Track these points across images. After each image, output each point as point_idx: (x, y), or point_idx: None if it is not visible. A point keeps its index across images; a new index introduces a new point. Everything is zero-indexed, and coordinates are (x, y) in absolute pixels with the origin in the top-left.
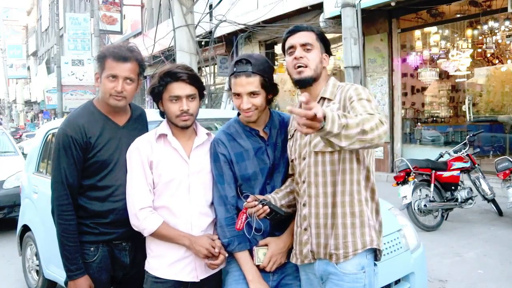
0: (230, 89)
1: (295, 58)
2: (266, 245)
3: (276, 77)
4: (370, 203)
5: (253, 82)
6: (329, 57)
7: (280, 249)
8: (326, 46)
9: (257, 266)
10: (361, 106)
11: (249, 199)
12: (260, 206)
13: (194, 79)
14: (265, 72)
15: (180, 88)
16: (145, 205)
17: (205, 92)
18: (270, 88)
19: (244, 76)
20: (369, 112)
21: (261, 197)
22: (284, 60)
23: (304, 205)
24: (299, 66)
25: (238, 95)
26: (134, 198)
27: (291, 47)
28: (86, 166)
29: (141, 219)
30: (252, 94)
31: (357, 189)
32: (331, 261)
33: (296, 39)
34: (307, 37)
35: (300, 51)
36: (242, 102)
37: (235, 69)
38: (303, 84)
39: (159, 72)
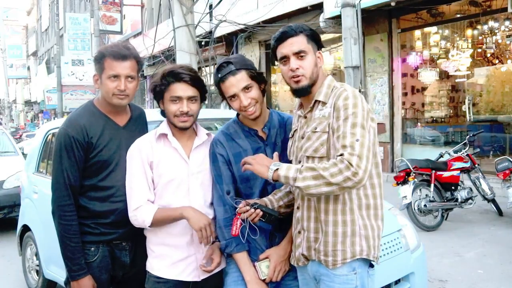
0: (223, 97)
1: (290, 70)
2: (267, 257)
3: (276, 77)
4: (365, 212)
5: (241, 78)
6: (321, 50)
7: (281, 257)
8: (317, 42)
9: (263, 280)
10: (342, 136)
11: (240, 205)
12: (252, 210)
13: (196, 81)
14: (248, 65)
15: (182, 90)
16: (143, 203)
17: (206, 95)
18: (259, 78)
19: (231, 76)
20: (344, 145)
21: (252, 201)
22: None
23: (298, 208)
24: (297, 76)
25: (233, 96)
26: (134, 195)
27: (284, 57)
28: (87, 166)
29: (138, 214)
30: (246, 89)
31: (349, 197)
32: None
33: (287, 48)
34: (298, 43)
35: (294, 61)
36: (240, 100)
37: (219, 75)
38: (301, 93)
39: (162, 71)
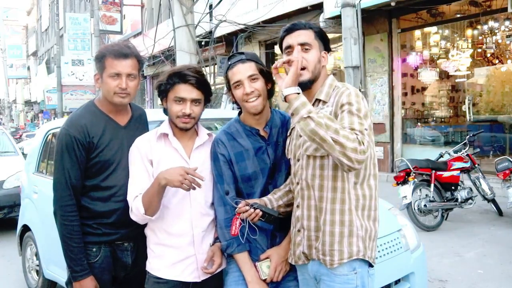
0: (229, 88)
1: None
2: (267, 257)
3: (276, 77)
4: (360, 212)
5: (250, 67)
6: (328, 53)
7: (282, 257)
8: (325, 43)
9: (264, 280)
10: (349, 122)
11: (240, 204)
12: (252, 210)
13: (202, 84)
14: (258, 60)
15: (187, 91)
16: (139, 194)
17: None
18: (267, 76)
19: (240, 64)
20: (353, 129)
21: (252, 201)
22: None
23: (297, 206)
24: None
25: (238, 84)
26: (132, 187)
27: (289, 46)
28: (88, 166)
29: (134, 205)
30: (252, 78)
31: (348, 197)
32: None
33: (294, 39)
34: (305, 36)
35: (298, 52)
36: (244, 87)
37: (229, 62)
38: (301, 87)
39: (170, 70)
